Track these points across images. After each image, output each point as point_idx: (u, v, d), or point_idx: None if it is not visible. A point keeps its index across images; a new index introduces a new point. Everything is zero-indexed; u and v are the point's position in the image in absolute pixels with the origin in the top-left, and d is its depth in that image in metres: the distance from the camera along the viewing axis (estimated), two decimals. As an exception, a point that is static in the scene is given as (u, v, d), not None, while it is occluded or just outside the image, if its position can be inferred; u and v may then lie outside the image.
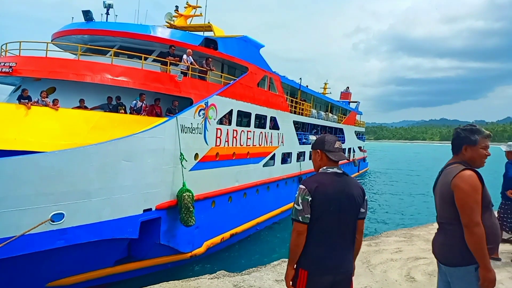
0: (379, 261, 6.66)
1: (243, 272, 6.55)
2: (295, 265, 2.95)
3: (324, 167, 3.00)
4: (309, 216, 2.81)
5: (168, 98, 11.82)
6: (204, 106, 12.18)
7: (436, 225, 9.29)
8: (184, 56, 12.64)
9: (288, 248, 2.94)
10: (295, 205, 2.87)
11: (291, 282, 2.96)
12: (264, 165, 17.16)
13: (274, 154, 18.25)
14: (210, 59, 13.54)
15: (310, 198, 2.81)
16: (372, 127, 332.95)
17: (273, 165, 18.24)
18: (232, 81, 14.27)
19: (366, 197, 3.09)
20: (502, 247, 7.21)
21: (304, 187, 2.87)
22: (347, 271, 2.96)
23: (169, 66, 11.87)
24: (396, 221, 20.69)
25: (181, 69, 12.24)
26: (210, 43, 14.05)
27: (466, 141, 2.96)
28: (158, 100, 11.46)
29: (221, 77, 14.24)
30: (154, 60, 12.51)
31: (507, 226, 6.82)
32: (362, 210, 3.02)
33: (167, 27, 16.00)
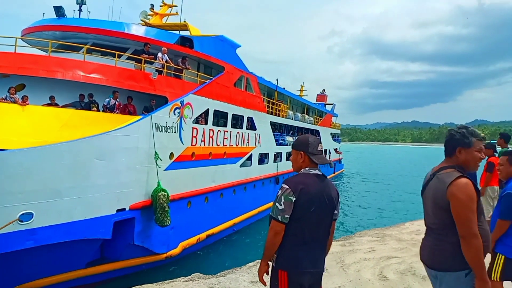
0: (353, 260, 6.74)
1: (218, 274, 6.50)
2: (269, 263, 2.95)
3: (307, 168, 3.00)
4: (289, 216, 2.79)
5: (142, 96, 11.64)
6: (180, 104, 12.02)
7: (407, 225, 9.43)
8: (159, 54, 12.47)
9: (264, 246, 2.92)
10: (277, 204, 2.82)
11: (265, 280, 2.96)
12: (241, 166, 17.09)
13: (251, 154, 18.22)
14: (186, 58, 13.40)
15: (294, 199, 2.79)
16: (346, 129, 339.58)
17: (250, 165, 18.19)
18: (208, 80, 14.17)
19: (340, 199, 3.12)
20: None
21: (287, 187, 2.83)
22: (321, 270, 2.98)
23: (144, 64, 11.68)
24: (369, 221, 20.97)
25: (156, 67, 12.08)
26: (186, 41, 13.92)
27: (460, 143, 2.83)
28: (130, 98, 11.25)
29: (197, 76, 14.11)
30: (128, 58, 12.27)
31: None
32: (336, 211, 3.05)
33: (142, 25, 15.76)
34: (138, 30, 13.14)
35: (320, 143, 3.11)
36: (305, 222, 2.82)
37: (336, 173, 41.63)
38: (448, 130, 3.03)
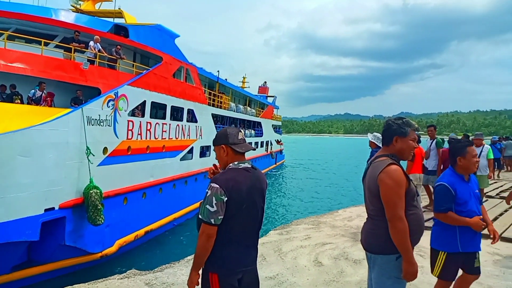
0: (290, 248, 6.85)
1: (155, 269, 6.29)
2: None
3: (235, 163, 2.83)
4: (222, 217, 2.61)
5: (72, 87, 10.95)
6: (114, 96, 11.46)
7: (340, 212, 9.81)
8: (91, 43, 11.79)
9: (194, 251, 2.70)
10: (207, 206, 2.60)
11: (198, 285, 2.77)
12: (182, 159, 16.75)
13: (192, 147, 17.93)
14: (119, 47, 12.78)
15: (226, 198, 2.60)
16: (284, 121, 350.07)
17: (191, 158, 17.90)
18: (145, 71, 13.64)
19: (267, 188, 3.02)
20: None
21: (218, 186, 2.62)
22: (254, 267, 2.88)
23: (74, 53, 10.96)
24: (306, 209, 21.54)
25: (88, 57, 11.40)
26: (121, 30, 13.29)
27: (397, 133, 2.96)
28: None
29: (133, 66, 13.54)
30: (56, 46, 11.48)
31: None
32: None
33: (73, 11, 14.79)
34: (68, 16, 12.32)
35: (240, 131, 2.96)
36: (236, 221, 2.67)
37: (277, 163, 42.35)
38: (386, 120, 3.15)
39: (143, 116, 13.40)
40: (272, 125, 42.06)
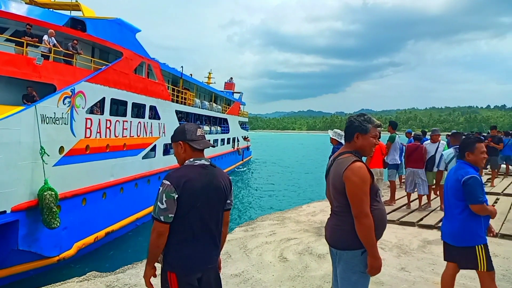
0: (255, 245, 6.82)
1: (117, 270, 6.06)
2: (154, 265, 2.73)
3: (191, 159, 2.75)
4: (173, 215, 2.55)
5: (25, 84, 10.39)
6: (70, 93, 10.98)
7: (304, 207, 9.87)
8: (45, 37, 11.23)
9: (147, 248, 2.67)
10: (158, 203, 2.55)
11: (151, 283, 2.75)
12: (144, 157, 16.35)
13: (155, 145, 17.54)
14: (76, 41, 12.25)
15: (176, 195, 2.53)
16: (249, 118, 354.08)
17: (154, 156, 17.51)
18: (104, 67, 13.16)
19: (232, 187, 2.94)
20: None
21: (169, 182, 2.55)
22: (214, 265, 2.82)
23: (26, 48, 10.40)
24: (271, 205, 21.68)
25: (42, 52, 10.86)
26: (77, 23, 12.77)
27: (359, 129, 2.99)
28: None
29: (91, 61, 13.04)
30: (7, 40, 10.85)
31: None
32: (228, 201, 2.88)
33: (26, 3, 14.06)
34: (19, 8, 11.71)
35: (199, 127, 2.87)
36: (191, 219, 2.61)
37: (244, 160, 42.32)
38: (348, 117, 3.17)
39: (102, 113, 12.94)
40: (239, 121, 41.91)
